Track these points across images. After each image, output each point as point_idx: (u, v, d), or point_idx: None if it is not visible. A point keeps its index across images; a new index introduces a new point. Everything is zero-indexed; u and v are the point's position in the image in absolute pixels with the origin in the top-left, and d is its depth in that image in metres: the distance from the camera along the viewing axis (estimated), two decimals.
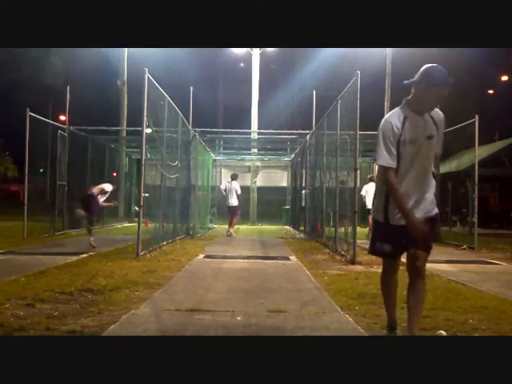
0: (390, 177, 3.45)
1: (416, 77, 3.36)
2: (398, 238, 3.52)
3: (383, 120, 3.51)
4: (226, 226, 15.93)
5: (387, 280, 3.79)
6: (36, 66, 31.14)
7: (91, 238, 10.44)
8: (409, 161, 3.44)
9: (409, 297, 3.58)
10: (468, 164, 13.69)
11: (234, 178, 15.83)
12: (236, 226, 16.71)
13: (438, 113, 3.50)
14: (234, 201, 15.60)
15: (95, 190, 11.18)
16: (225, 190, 16.09)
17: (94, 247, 10.10)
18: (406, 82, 3.41)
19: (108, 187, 11.43)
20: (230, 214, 15.87)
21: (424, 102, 3.37)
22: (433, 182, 3.61)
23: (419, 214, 3.47)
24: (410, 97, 3.44)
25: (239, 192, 15.63)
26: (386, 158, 3.43)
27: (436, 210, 3.60)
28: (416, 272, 3.53)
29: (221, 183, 16.31)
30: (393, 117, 3.47)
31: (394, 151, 3.41)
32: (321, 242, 12.43)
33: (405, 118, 3.42)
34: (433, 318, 4.50)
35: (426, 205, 3.53)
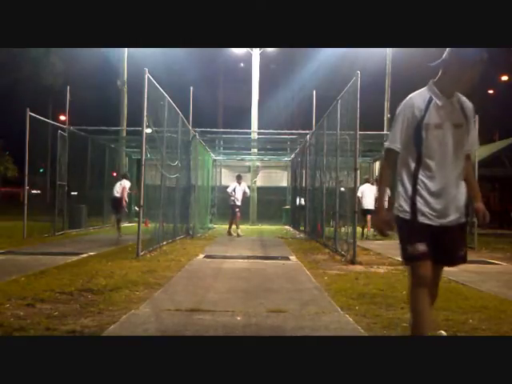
0: (387, 160, 3.20)
1: (445, 55, 3.04)
2: (430, 239, 3.09)
3: (405, 99, 3.17)
4: (226, 226, 15.96)
5: (421, 292, 3.12)
6: (36, 66, 31.16)
7: (119, 233, 12.81)
8: (436, 149, 3.07)
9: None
10: None
11: (236, 178, 15.94)
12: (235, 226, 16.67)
13: (466, 101, 3.16)
14: (233, 200, 15.61)
15: (121, 191, 12.70)
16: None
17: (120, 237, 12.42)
18: (432, 64, 3.10)
19: (127, 184, 12.78)
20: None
21: (456, 82, 3.04)
22: (463, 184, 3.18)
23: (452, 216, 3.12)
24: (437, 78, 3.12)
25: (228, 190, 15.63)
26: (393, 140, 3.13)
27: (464, 218, 3.20)
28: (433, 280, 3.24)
29: (230, 184, 16.18)
30: (416, 97, 3.13)
31: (406, 135, 3.10)
32: (321, 242, 12.43)
33: (430, 100, 3.07)
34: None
35: (459, 207, 3.15)
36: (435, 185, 3.08)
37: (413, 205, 3.10)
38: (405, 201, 3.14)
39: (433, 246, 3.08)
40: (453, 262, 3.27)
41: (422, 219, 3.08)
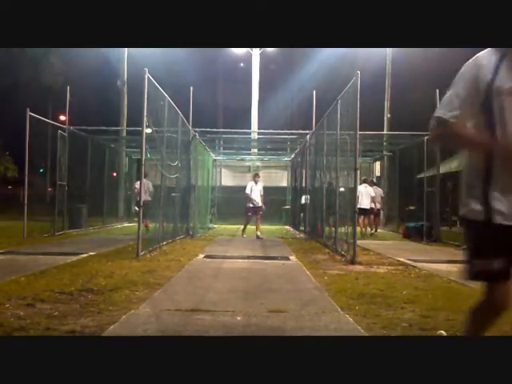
0: (450, 127, 2.30)
1: None
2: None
3: (469, 60, 2.46)
4: (226, 226, 15.93)
5: (484, 319, 2.63)
6: (36, 67, 31.19)
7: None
8: (507, 122, 2.26)
9: None
10: None
11: (253, 177, 15.18)
12: (237, 226, 16.63)
13: None
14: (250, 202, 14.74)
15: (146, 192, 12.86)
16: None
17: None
18: None
19: (148, 184, 13.17)
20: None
21: None
22: None
23: None
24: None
25: (246, 191, 14.71)
26: (447, 107, 2.32)
27: None
28: None
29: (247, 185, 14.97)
30: (483, 55, 2.41)
31: (470, 106, 2.32)
32: (321, 242, 12.44)
33: (502, 57, 2.36)
34: (433, 318, 4.50)
35: None
36: (501, 172, 2.27)
37: (486, 201, 2.29)
38: (474, 196, 2.34)
39: None
40: None
41: (499, 220, 2.27)
